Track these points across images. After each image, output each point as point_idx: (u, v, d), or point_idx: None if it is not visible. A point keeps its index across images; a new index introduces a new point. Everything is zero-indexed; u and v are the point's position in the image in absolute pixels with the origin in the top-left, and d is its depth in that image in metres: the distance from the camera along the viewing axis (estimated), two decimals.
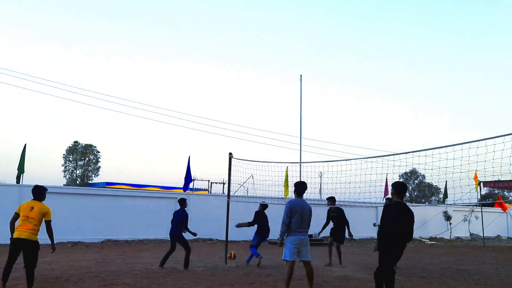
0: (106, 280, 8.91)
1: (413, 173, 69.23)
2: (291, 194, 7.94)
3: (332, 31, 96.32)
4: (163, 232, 11.27)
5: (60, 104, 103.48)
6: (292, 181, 9.71)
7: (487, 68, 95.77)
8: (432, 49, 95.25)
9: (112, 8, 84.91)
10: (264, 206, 12.40)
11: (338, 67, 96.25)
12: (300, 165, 15.14)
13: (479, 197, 22.94)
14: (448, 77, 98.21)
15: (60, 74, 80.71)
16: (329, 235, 12.74)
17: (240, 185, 13.91)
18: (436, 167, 9.39)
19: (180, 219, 10.94)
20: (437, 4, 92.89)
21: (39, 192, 7.38)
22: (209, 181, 48.99)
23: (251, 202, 14.93)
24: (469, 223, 27.72)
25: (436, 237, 26.94)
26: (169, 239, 11.30)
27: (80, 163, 67.05)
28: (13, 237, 7.02)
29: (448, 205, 27.01)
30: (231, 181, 12.77)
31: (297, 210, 7.38)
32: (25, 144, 17.37)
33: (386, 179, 14.39)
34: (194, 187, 42.68)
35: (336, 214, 12.41)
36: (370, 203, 12.80)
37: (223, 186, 46.08)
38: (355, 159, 10.67)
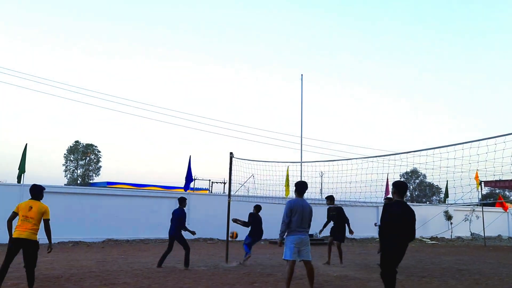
0: (107, 280, 8.92)
1: (414, 173, 69.18)
2: (292, 194, 7.94)
3: (332, 31, 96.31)
4: (164, 231, 11.28)
5: (61, 104, 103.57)
6: (293, 180, 9.73)
7: (488, 68, 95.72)
8: (433, 49, 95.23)
9: (113, 8, 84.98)
10: (258, 208, 12.46)
11: (338, 66, 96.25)
12: (301, 165, 15.16)
13: (480, 196, 22.90)
14: (448, 77, 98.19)
15: (61, 74, 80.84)
16: (329, 234, 12.75)
17: (241, 185, 13.94)
18: (437, 167, 9.39)
19: (177, 218, 10.96)
20: (437, 4, 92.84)
21: (37, 191, 7.38)
22: (210, 180, 48.98)
23: (252, 202, 14.94)
24: (470, 222, 27.69)
25: (437, 236, 26.92)
26: (167, 239, 11.33)
27: (81, 162, 67.10)
28: (13, 237, 7.01)
29: (449, 205, 26.99)
30: (232, 181, 12.77)
31: (298, 210, 7.38)
32: (26, 144, 17.38)
33: (387, 179, 14.43)
34: (195, 187, 42.67)
35: (336, 213, 12.42)
36: (371, 202, 12.81)
37: (224, 186, 46.07)
38: (356, 158, 10.68)
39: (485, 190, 30.57)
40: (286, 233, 7.50)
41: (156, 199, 21.44)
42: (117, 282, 8.70)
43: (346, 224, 12.41)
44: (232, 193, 12.83)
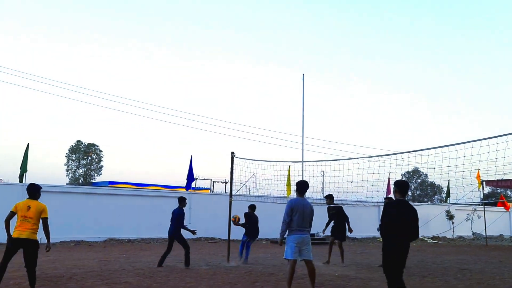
0: (109, 279, 8.93)
1: (415, 172, 69.11)
2: (293, 193, 7.94)
3: (334, 30, 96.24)
4: (166, 231, 11.30)
5: (63, 104, 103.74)
6: (295, 180, 9.72)
7: (489, 68, 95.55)
8: (434, 48, 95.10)
9: (115, 8, 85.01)
10: (253, 207, 12.58)
11: (340, 66, 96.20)
12: (302, 164, 15.15)
13: (481, 196, 22.90)
14: (450, 77, 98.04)
15: (63, 73, 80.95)
16: (330, 234, 12.76)
17: (242, 184, 13.94)
18: (438, 166, 9.38)
19: (176, 218, 10.99)
20: (438, 3, 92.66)
21: (34, 190, 7.38)
22: (211, 180, 49.03)
23: (253, 201, 14.94)
24: (471, 222, 27.67)
25: (438, 236, 26.91)
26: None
27: (83, 162, 67.17)
28: (13, 237, 7.01)
29: (450, 204, 26.97)
30: (234, 180, 12.78)
31: (298, 209, 7.38)
32: (28, 144, 17.45)
33: (389, 178, 14.37)
34: (197, 186, 42.70)
35: (335, 211, 12.43)
36: (372, 202, 12.81)
37: (225, 185, 46.12)
38: (358, 158, 10.69)
39: (487, 189, 30.58)
40: (287, 233, 7.51)
41: (158, 198, 21.47)
42: (119, 281, 8.71)
43: (346, 223, 12.42)
44: (233, 192, 12.83)
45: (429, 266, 12.24)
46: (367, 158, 10.73)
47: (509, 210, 29.14)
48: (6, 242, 7.13)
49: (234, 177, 12.67)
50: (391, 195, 17.92)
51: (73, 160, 67.06)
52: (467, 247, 21.62)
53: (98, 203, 19.66)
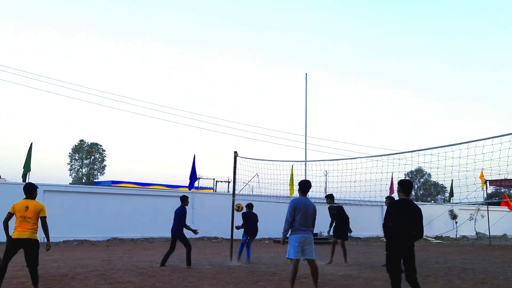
0: (112, 278, 8.94)
1: (418, 172, 68.98)
2: (296, 193, 7.93)
3: (337, 29, 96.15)
4: (168, 230, 11.33)
5: (66, 103, 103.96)
6: (297, 179, 9.72)
7: (491, 67, 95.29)
8: (435, 47, 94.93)
9: (116, 8, 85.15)
10: (250, 206, 12.65)
11: (343, 65, 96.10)
12: (306, 164, 15.12)
13: (485, 195, 22.82)
14: (453, 76, 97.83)
15: (66, 73, 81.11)
16: (331, 234, 12.76)
17: (245, 184, 13.95)
18: (442, 166, 9.36)
19: (178, 216, 11.01)
20: (439, 2, 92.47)
21: (31, 189, 7.39)
22: (214, 179, 49.07)
23: (256, 201, 14.94)
24: (475, 222, 27.60)
25: (441, 235, 26.86)
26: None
27: (86, 161, 67.26)
28: (14, 237, 7.02)
29: (454, 204, 26.92)
30: (236, 180, 12.79)
31: (301, 209, 7.37)
32: (32, 143, 17.47)
33: (392, 178, 14.37)
34: (199, 186, 42.73)
35: (336, 211, 12.41)
36: (375, 201, 12.81)
37: (228, 185, 46.15)
38: (361, 157, 10.67)
39: (490, 189, 30.40)
40: (289, 232, 7.50)
41: (161, 198, 21.49)
42: (122, 280, 8.73)
43: (347, 222, 12.40)
44: (236, 192, 12.84)
45: (432, 265, 12.21)
46: (370, 158, 10.72)
47: None
48: (6, 242, 7.14)
49: (237, 176, 12.68)
50: (394, 194, 17.91)
51: (76, 160, 67.16)
52: (471, 246, 21.57)
53: (101, 202, 19.70)
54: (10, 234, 7.10)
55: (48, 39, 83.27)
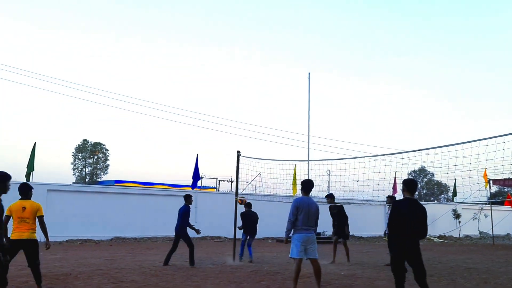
0: (115, 278, 8.97)
1: (422, 171, 68.83)
2: (299, 192, 7.93)
3: (340, 28, 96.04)
4: (172, 230, 11.35)
5: (69, 103, 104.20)
6: (300, 179, 9.71)
7: (493, 66, 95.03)
8: (437, 47, 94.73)
9: (119, 8, 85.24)
10: (248, 205, 12.72)
11: (346, 64, 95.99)
12: (308, 163, 15.13)
13: (488, 195, 22.77)
14: (456, 75, 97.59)
15: (69, 72, 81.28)
16: (332, 233, 12.76)
17: (248, 183, 13.95)
18: (445, 165, 9.34)
19: (182, 215, 11.03)
20: (441, 1, 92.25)
21: (26, 189, 7.39)
22: (217, 179, 49.05)
23: (258, 200, 14.95)
24: (478, 221, 27.53)
25: (445, 235, 26.81)
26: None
27: (89, 161, 67.41)
28: (13, 238, 7.03)
29: (457, 203, 26.86)
30: (239, 179, 12.79)
31: (304, 208, 7.38)
32: (35, 143, 17.53)
33: (395, 177, 14.38)
34: (202, 185, 42.75)
35: (336, 210, 12.41)
36: (378, 201, 12.79)
37: (231, 184, 46.14)
38: (364, 157, 10.66)
39: (494, 188, 30.40)
40: (292, 231, 7.51)
41: (164, 197, 21.53)
42: (125, 280, 8.75)
43: (347, 221, 12.39)
44: (239, 191, 12.85)
45: (436, 265, 12.19)
46: (373, 157, 10.71)
47: None
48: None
49: (240, 176, 12.69)
50: (397, 194, 17.89)
51: (80, 159, 67.31)
52: (474, 246, 21.53)
53: (104, 202, 19.74)
54: (8, 236, 7.09)
55: (50, 38, 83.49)
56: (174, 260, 11.13)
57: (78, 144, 66.69)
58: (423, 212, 6.31)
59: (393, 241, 6.51)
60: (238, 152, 12.59)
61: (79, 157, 67.12)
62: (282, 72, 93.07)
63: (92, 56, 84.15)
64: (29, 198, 7.34)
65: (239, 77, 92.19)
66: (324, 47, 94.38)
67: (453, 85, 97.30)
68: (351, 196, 11.45)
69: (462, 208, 28.21)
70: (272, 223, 19.47)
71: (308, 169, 15.07)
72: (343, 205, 12.72)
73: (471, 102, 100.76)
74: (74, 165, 67.15)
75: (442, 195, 70.45)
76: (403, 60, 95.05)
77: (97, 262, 11.50)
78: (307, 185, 7.74)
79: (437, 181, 66.40)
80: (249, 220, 12.48)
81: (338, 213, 12.40)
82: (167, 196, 21.72)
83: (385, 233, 13.03)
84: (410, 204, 6.39)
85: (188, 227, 11.08)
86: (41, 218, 7.31)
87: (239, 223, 12.57)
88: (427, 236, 24.55)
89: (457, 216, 27.85)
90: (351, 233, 12.82)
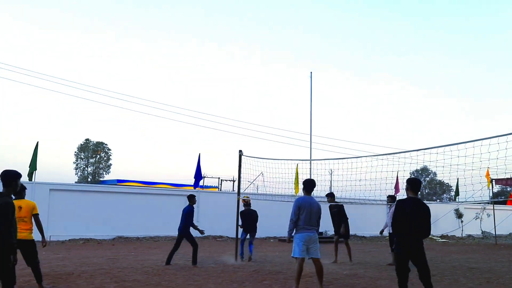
0: (118, 277, 8.98)
1: (424, 171, 68.71)
2: (301, 192, 7.94)
3: (341, 28, 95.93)
4: (174, 229, 11.36)
5: (72, 102, 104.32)
6: (302, 178, 9.71)
7: (493, 67, 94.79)
8: (437, 46, 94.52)
9: (121, 7, 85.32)
10: (247, 204, 12.73)
11: (348, 64, 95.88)
12: (310, 163, 15.12)
13: (491, 194, 22.72)
14: (458, 74, 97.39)
15: (72, 72, 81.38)
16: (333, 233, 12.75)
17: (250, 183, 13.95)
18: (447, 165, 9.33)
19: (185, 215, 11.04)
20: (442, 1, 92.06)
21: (20, 189, 7.41)
22: (219, 178, 49.14)
23: (261, 200, 14.95)
24: (481, 221, 27.46)
25: (447, 235, 26.75)
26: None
27: (92, 160, 67.54)
28: None
29: (459, 203, 26.80)
30: (241, 179, 12.79)
31: (305, 208, 7.38)
32: (38, 142, 17.54)
33: (397, 177, 14.33)
34: (204, 185, 42.79)
35: (337, 209, 12.39)
36: (380, 200, 12.78)
37: (233, 184, 46.19)
38: (366, 156, 10.66)
39: (496, 188, 30.34)
40: (294, 231, 7.51)
41: (166, 196, 21.54)
42: (127, 279, 8.76)
43: (346, 221, 12.37)
44: (241, 191, 12.85)
45: (438, 264, 12.17)
46: (375, 157, 10.70)
47: None
48: None
49: (242, 175, 12.68)
50: (400, 193, 17.85)
51: (82, 159, 67.47)
52: (476, 245, 21.48)
53: (106, 201, 19.76)
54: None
55: (52, 38, 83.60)
56: (176, 260, 11.15)
57: (81, 144, 66.89)
58: (426, 211, 6.31)
59: (396, 240, 6.50)
60: (240, 151, 12.59)
61: (82, 156, 67.28)
62: (283, 72, 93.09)
63: (94, 55, 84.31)
64: (23, 198, 7.36)
65: (241, 76, 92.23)
66: (325, 46, 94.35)
67: (454, 85, 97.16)
68: (353, 195, 11.45)
69: (465, 208, 28.13)
70: (274, 223, 19.46)
71: (310, 168, 15.06)
72: (344, 205, 12.71)
73: (472, 102, 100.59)
74: (77, 165, 67.33)
75: (445, 195, 70.36)
76: (403, 59, 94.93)
77: (100, 262, 11.52)
78: (309, 184, 7.74)
79: (440, 180, 66.29)
80: (249, 218, 12.52)
81: (338, 212, 12.39)
82: (169, 195, 21.74)
83: (381, 232, 13.01)
84: (413, 203, 6.38)
85: (192, 228, 11.08)
86: (36, 216, 7.35)
87: (240, 222, 12.59)
88: (430, 236, 24.55)
89: (459, 215, 27.78)
90: (352, 233, 12.80)
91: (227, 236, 20.57)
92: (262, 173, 13.02)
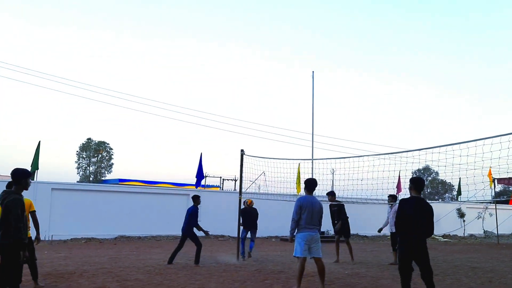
0: (119, 276, 8.98)
1: (426, 170, 68.64)
2: (303, 191, 7.93)
3: (344, 26, 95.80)
4: (176, 228, 11.37)
5: (74, 101, 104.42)
6: (304, 177, 9.69)
7: (494, 66, 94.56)
8: (441, 45, 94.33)
9: (122, 7, 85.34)
10: (246, 203, 12.81)
11: (350, 63, 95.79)
12: (312, 162, 15.09)
13: (493, 194, 22.67)
14: (460, 74, 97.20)
15: (74, 72, 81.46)
16: (334, 232, 12.73)
17: (252, 182, 13.95)
18: (449, 164, 9.30)
19: (189, 216, 11.05)
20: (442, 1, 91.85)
21: None
22: (221, 178, 49.14)
23: (263, 199, 14.93)
24: (483, 220, 27.43)
25: (449, 234, 26.72)
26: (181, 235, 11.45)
27: (93, 160, 67.59)
28: None
29: (461, 202, 26.76)
30: (243, 178, 12.78)
31: (307, 207, 7.37)
32: (39, 141, 17.58)
33: (399, 176, 14.30)
34: (206, 184, 42.81)
35: (337, 208, 12.38)
36: (382, 200, 12.75)
37: (235, 183, 46.19)
38: (368, 155, 10.60)
39: (499, 187, 30.23)
40: (296, 230, 7.50)
41: (168, 196, 21.58)
42: (129, 278, 8.76)
43: (346, 219, 12.35)
44: (243, 190, 12.85)
45: (440, 264, 12.16)
46: (377, 156, 10.65)
47: None
48: None
49: (243, 174, 12.68)
50: (402, 192, 17.81)
51: (84, 158, 67.51)
52: (478, 245, 21.45)
53: (108, 200, 19.79)
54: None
55: (54, 37, 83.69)
56: (178, 259, 11.15)
57: (82, 143, 66.94)
58: (429, 211, 6.29)
59: (399, 240, 6.48)
60: (242, 151, 12.58)
61: (83, 156, 67.32)
62: (285, 71, 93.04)
63: (96, 55, 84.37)
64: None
65: (243, 75, 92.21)
66: (327, 45, 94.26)
67: (457, 84, 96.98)
68: (355, 195, 11.41)
69: (467, 207, 28.11)
70: (276, 222, 19.49)
71: (312, 167, 15.03)
72: (346, 204, 12.69)
73: (475, 101, 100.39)
74: (78, 164, 67.38)
75: (447, 194, 70.25)
76: (405, 59, 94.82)
77: (102, 261, 11.53)
78: (311, 184, 7.73)
79: (442, 180, 66.20)
80: (249, 216, 12.58)
81: (338, 211, 12.38)
82: (171, 195, 21.77)
83: (379, 230, 12.98)
84: (416, 202, 6.36)
85: (196, 229, 11.09)
86: (33, 213, 7.39)
87: (240, 220, 12.61)
88: (432, 235, 24.52)
89: (461, 215, 27.75)
90: (354, 232, 12.78)
91: (228, 236, 20.58)
92: (264, 173, 13.01)
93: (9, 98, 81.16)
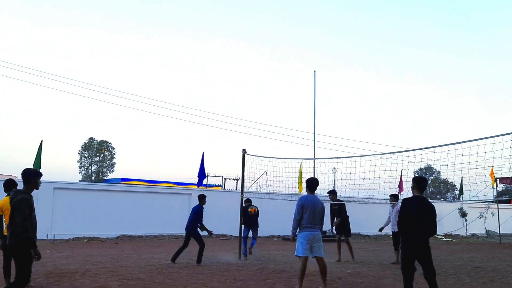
0: (121, 275, 9.00)
1: (428, 169, 68.60)
2: (305, 191, 7.92)
3: (346, 26, 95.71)
4: (178, 227, 11.40)
5: (76, 101, 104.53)
6: (306, 177, 9.69)
7: (495, 66, 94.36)
8: (443, 45, 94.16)
9: (123, 7, 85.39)
10: (248, 201, 12.89)
11: (352, 62, 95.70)
12: (314, 161, 15.12)
13: (495, 193, 22.64)
14: (462, 73, 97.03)
15: (76, 71, 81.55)
16: (335, 232, 12.72)
17: (253, 181, 13.96)
18: (451, 163, 9.28)
19: (193, 214, 11.06)
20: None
21: (12, 186, 7.41)
22: (222, 177, 49.11)
23: (264, 199, 14.93)
24: (485, 219, 27.38)
25: (451, 233, 26.69)
26: (184, 234, 11.46)
27: (95, 159, 67.69)
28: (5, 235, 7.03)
29: (463, 202, 26.72)
30: (245, 177, 12.79)
31: (309, 206, 7.36)
32: (42, 141, 17.58)
33: (401, 175, 14.33)
34: (208, 183, 42.80)
35: (338, 206, 12.37)
36: (384, 199, 12.75)
37: (237, 182, 46.15)
38: (370, 155, 10.60)
39: (501, 187, 30.17)
40: (298, 230, 7.50)
41: (170, 195, 21.59)
42: (131, 277, 8.78)
43: (346, 218, 12.34)
44: (245, 189, 12.85)
45: (442, 263, 12.14)
46: (379, 155, 10.64)
47: None
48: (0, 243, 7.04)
49: (245, 174, 12.68)
50: (404, 192, 17.81)
51: (86, 157, 67.63)
52: (480, 244, 21.41)
53: (110, 199, 19.82)
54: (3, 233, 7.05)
55: (55, 37, 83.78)
56: (180, 258, 11.16)
57: (84, 142, 67.06)
58: (432, 210, 6.28)
59: (402, 239, 6.48)
60: (244, 150, 12.59)
61: (85, 155, 67.44)
62: (286, 70, 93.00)
63: (98, 54, 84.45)
64: None
65: (244, 75, 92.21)
66: (328, 45, 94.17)
67: (457, 84, 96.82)
68: (357, 194, 11.41)
69: (469, 207, 28.07)
70: (278, 221, 19.49)
71: (314, 167, 15.08)
72: (348, 204, 12.69)
73: (477, 100, 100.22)
74: (81, 163, 67.50)
75: (449, 194, 70.20)
76: (406, 59, 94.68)
77: (104, 260, 11.55)
78: (312, 183, 7.72)
79: (444, 179, 66.19)
80: (249, 216, 12.57)
81: (339, 210, 12.37)
82: (173, 194, 21.79)
83: (380, 229, 12.97)
84: (419, 202, 6.35)
85: (200, 229, 11.09)
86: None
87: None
88: (434, 235, 24.47)
89: (463, 214, 27.70)
90: (356, 232, 12.78)
91: (230, 235, 20.59)
92: (266, 172, 13.01)
93: (10, 98, 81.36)
